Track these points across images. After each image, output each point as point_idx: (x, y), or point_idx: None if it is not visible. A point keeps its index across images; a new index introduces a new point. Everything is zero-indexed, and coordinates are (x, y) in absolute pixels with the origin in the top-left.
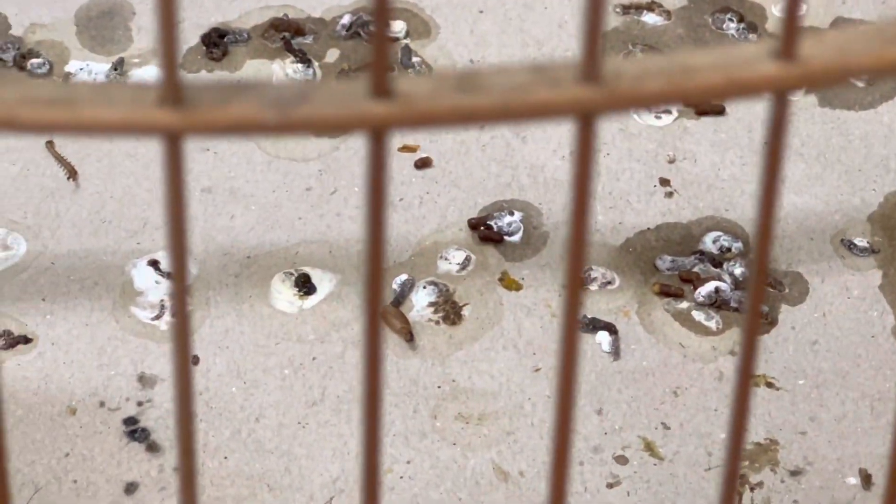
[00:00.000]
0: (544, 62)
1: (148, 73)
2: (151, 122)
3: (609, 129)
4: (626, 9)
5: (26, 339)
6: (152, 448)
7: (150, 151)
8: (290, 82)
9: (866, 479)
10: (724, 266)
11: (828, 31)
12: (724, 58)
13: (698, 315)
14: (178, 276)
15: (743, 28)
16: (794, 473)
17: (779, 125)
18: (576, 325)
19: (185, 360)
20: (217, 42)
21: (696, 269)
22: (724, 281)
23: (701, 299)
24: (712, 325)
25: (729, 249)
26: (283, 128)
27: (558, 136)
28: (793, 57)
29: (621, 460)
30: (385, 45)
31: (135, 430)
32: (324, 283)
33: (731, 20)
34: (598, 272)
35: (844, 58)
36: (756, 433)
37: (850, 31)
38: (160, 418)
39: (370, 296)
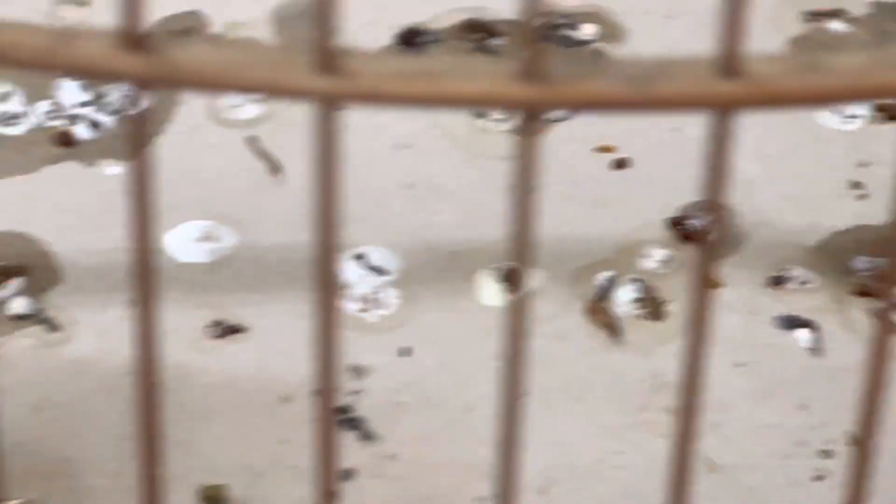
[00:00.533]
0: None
1: None
2: (512, 97)
3: (798, 134)
4: (813, 16)
5: (238, 329)
6: (367, 436)
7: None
8: (640, 60)
9: None
10: None
11: None
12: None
13: None
14: None
15: None
16: None
17: None
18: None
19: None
20: (412, 42)
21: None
22: None
23: None
24: None
25: None
26: (639, 104)
27: (754, 137)
28: None
29: (826, 454)
30: (739, 26)
31: (349, 419)
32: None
33: None
34: (795, 272)
35: None
36: None
37: None
38: (374, 406)
39: None
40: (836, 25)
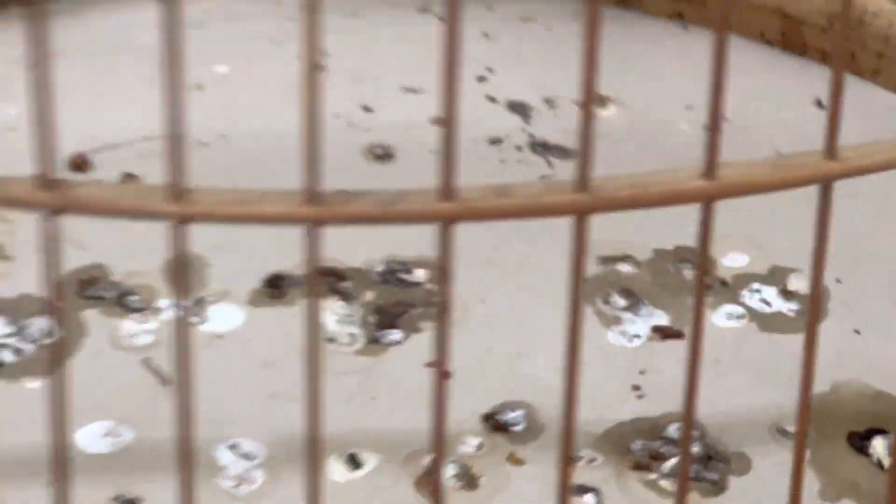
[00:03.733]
0: None
1: (221, 309)
2: (301, 215)
3: (590, 350)
4: (605, 260)
5: (136, 501)
6: None
7: None
8: (387, 190)
9: None
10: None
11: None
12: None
13: (665, 483)
14: None
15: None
16: None
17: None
18: None
19: None
20: (277, 284)
21: (662, 450)
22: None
23: (666, 471)
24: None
25: None
26: (385, 219)
27: (558, 353)
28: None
29: None
30: (453, 166)
31: None
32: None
33: (688, 269)
34: (584, 452)
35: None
36: None
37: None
38: None
39: None
40: (624, 268)
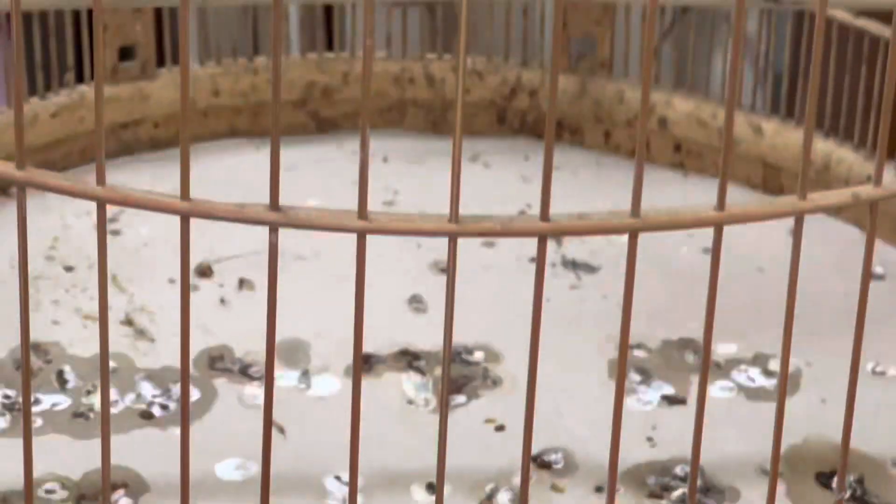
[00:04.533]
0: None
1: (323, 379)
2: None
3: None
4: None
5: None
6: None
7: None
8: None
9: None
10: None
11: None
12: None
13: None
14: None
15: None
16: None
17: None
18: None
19: None
20: (367, 361)
21: (671, 483)
22: None
23: (674, 499)
24: None
25: None
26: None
27: None
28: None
29: None
30: None
31: None
32: None
33: (690, 354)
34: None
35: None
36: None
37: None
38: None
39: None
40: (639, 353)
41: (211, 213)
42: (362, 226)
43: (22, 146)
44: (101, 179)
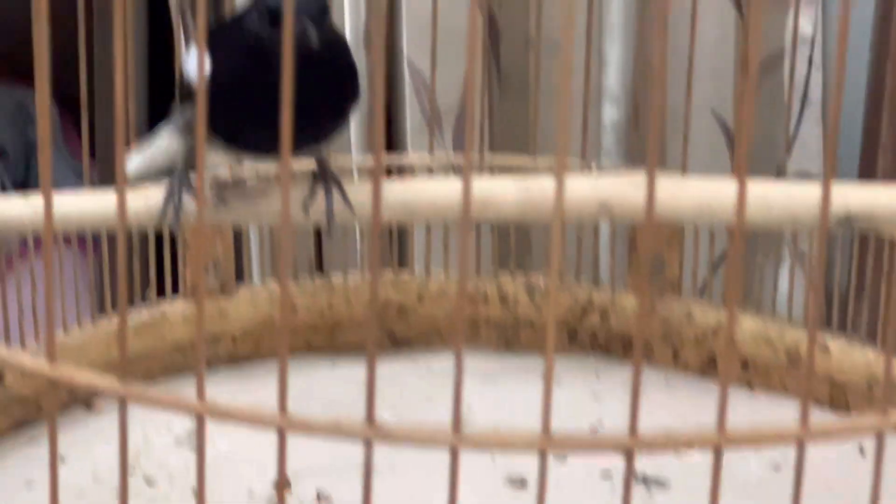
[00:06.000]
0: None
1: None
2: None
3: None
4: None
5: None
6: None
7: None
8: None
9: None
10: None
11: None
12: None
13: None
14: None
15: None
16: None
17: None
18: None
19: None
20: None
21: None
22: None
23: None
24: None
25: None
26: None
27: None
28: None
29: None
30: None
31: None
32: None
33: None
34: None
35: None
36: None
37: None
38: None
39: None
40: None
41: (309, 428)
42: (455, 441)
43: (125, 360)
44: (201, 394)
